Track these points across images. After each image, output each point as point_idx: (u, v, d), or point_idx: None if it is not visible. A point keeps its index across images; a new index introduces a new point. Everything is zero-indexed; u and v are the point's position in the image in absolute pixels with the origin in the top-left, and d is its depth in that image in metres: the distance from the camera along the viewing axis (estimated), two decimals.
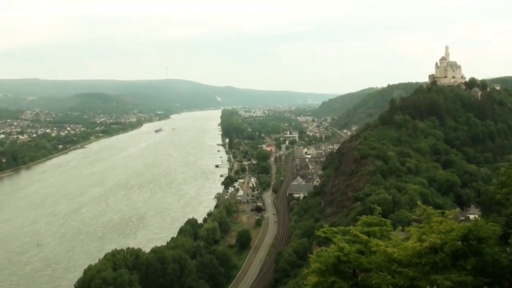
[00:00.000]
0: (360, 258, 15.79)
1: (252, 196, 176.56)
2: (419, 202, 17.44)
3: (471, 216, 72.44)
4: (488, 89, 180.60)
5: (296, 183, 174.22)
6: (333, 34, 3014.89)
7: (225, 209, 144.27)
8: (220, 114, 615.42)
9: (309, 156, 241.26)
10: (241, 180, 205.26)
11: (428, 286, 14.00)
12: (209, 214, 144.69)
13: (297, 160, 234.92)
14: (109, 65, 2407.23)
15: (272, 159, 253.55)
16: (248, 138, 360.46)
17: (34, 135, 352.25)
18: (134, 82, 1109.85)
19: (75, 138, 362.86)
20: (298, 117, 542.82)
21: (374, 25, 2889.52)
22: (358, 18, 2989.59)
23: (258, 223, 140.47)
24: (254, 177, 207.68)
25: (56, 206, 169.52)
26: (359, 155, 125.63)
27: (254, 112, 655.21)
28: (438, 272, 13.97)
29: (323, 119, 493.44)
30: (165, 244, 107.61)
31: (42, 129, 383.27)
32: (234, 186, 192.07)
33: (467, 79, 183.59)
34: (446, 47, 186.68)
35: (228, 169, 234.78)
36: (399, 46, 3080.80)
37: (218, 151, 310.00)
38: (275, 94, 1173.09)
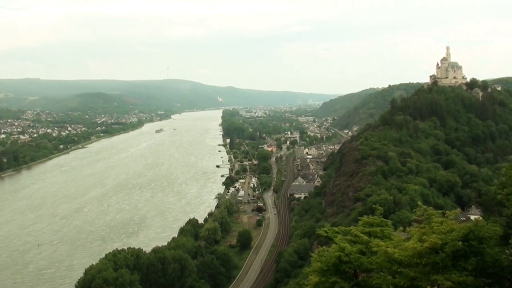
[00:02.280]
0: (361, 259, 15.86)
1: (253, 196, 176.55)
2: (419, 203, 17.50)
3: (472, 217, 72.35)
4: (489, 90, 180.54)
5: (297, 183, 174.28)
6: (334, 34, 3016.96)
7: (226, 209, 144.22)
8: (221, 114, 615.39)
9: (310, 156, 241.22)
10: (242, 181, 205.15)
11: (428, 287, 14.04)
12: (210, 214, 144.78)
13: (298, 160, 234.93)
14: (111, 65, 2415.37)
15: (273, 159, 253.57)
16: (249, 138, 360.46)
17: (35, 135, 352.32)
18: (135, 82, 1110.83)
19: (76, 138, 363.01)
20: (299, 118, 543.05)
21: (375, 25, 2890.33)
22: (359, 18, 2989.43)
23: (259, 223, 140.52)
24: (255, 177, 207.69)
25: (58, 206, 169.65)
26: (360, 155, 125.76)
27: (255, 112, 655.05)
28: (438, 273, 14.03)
29: (324, 119, 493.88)
30: (166, 244, 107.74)
31: (43, 129, 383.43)
32: (235, 186, 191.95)
33: (468, 80, 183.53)
34: (447, 48, 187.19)
35: (229, 169, 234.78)
36: (400, 46, 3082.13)
37: (219, 151, 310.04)
38: (276, 95, 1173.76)
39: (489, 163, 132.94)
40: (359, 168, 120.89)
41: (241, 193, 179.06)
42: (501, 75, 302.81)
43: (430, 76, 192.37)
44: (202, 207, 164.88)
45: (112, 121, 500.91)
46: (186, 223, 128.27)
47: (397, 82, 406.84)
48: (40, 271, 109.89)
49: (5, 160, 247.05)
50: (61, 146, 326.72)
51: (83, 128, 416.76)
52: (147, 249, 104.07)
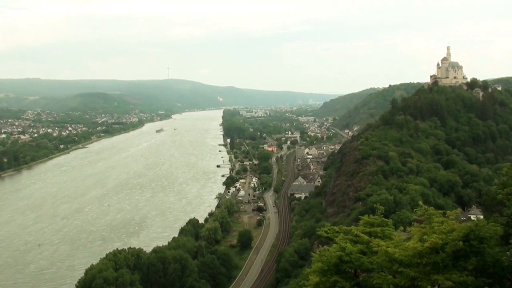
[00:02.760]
0: (362, 258, 15.86)
1: (254, 196, 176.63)
2: (420, 203, 17.52)
3: (473, 217, 72.33)
4: (490, 90, 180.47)
5: (297, 183, 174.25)
6: (334, 34, 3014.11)
7: (227, 209, 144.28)
8: (222, 114, 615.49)
9: (311, 156, 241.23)
10: (243, 180, 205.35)
11: (429, 286, 14.05)
12: (210, 214, 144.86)
13: (299, 160, 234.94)
14: (111, 65, 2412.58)
15: (274, 159, 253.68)
16: (250, 138, 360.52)
17: (36, 135, 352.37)
18: (135, 82, 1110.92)
19: (76, 138, 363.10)
20: (299, 117, 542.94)
21: (375, 25, 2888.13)
22: (359, 18, 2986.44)
23: (259, 223, 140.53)
24: (256, 177, 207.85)
25: (59, 206, 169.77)
26: (360, 155, 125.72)
27: (255, 112, 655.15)
28: (439, 272, 14.03)
29: (324, 119, 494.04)
30: (167, 244, 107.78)
31: (43, 129, 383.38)
32: (236, 186, 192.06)
33: (468, 80, 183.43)
34: (448, 48, 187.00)
35: (230, 169, 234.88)
36: (400, 46, 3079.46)
37: (220, 151, 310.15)
38: (277, 94, 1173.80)
39: (490, 163, 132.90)
40: (360, 168, 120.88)
41: (242, 193, 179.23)
42: (501, 75, 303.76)
43: (431, 76, 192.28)
44: (203, 207, 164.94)
45: (113, 121, 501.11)
46: (187, 223, 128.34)
47: (397, 82, 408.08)
48: (41, 271, 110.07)
49: (5, 160, 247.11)
50: (62, 146, 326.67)
51: (84, 128, 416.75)
52: (148, 249, 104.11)
